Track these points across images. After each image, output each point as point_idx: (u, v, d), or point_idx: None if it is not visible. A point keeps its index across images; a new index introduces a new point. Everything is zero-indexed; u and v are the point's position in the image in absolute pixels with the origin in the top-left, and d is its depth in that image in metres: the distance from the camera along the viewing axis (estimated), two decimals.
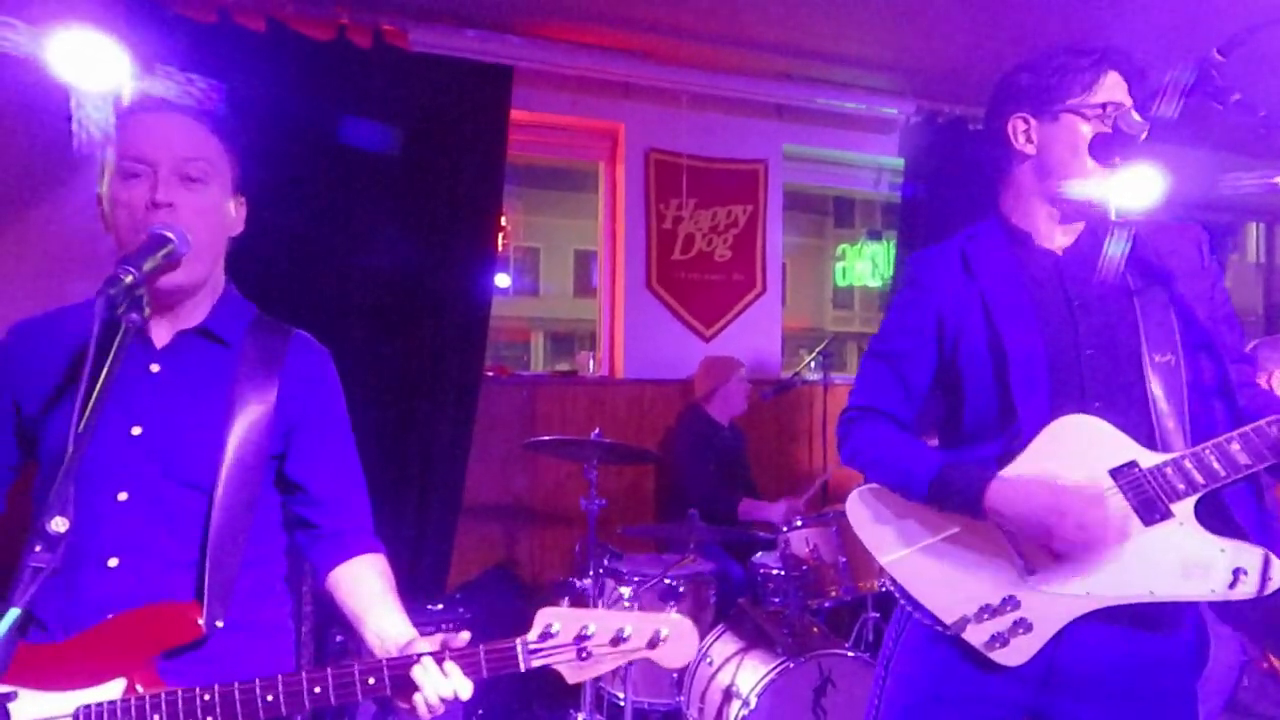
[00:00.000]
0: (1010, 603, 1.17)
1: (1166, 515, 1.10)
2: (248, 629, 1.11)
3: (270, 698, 0.95)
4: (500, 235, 3.39)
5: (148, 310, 0.93)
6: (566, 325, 14.31)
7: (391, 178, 2.96)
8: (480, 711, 2.72)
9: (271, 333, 1.17)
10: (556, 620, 0.98)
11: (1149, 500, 1.11)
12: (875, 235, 5.64)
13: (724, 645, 2.41)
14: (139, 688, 0.98)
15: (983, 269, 1.27)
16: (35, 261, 2.66)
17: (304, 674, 0.97)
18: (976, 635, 1.18)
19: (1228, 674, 2.22)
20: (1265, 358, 2.18)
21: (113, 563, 1.04)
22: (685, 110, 3.62)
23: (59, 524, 0.75)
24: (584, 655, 0.98)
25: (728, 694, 2.23)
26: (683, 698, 2.47)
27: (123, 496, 1.05)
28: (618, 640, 0.98)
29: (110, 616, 1.01)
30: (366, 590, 1.13)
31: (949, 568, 1.22)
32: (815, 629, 2.39)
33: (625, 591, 2.44)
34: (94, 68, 2.21)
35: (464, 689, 0.98)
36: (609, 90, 3.50)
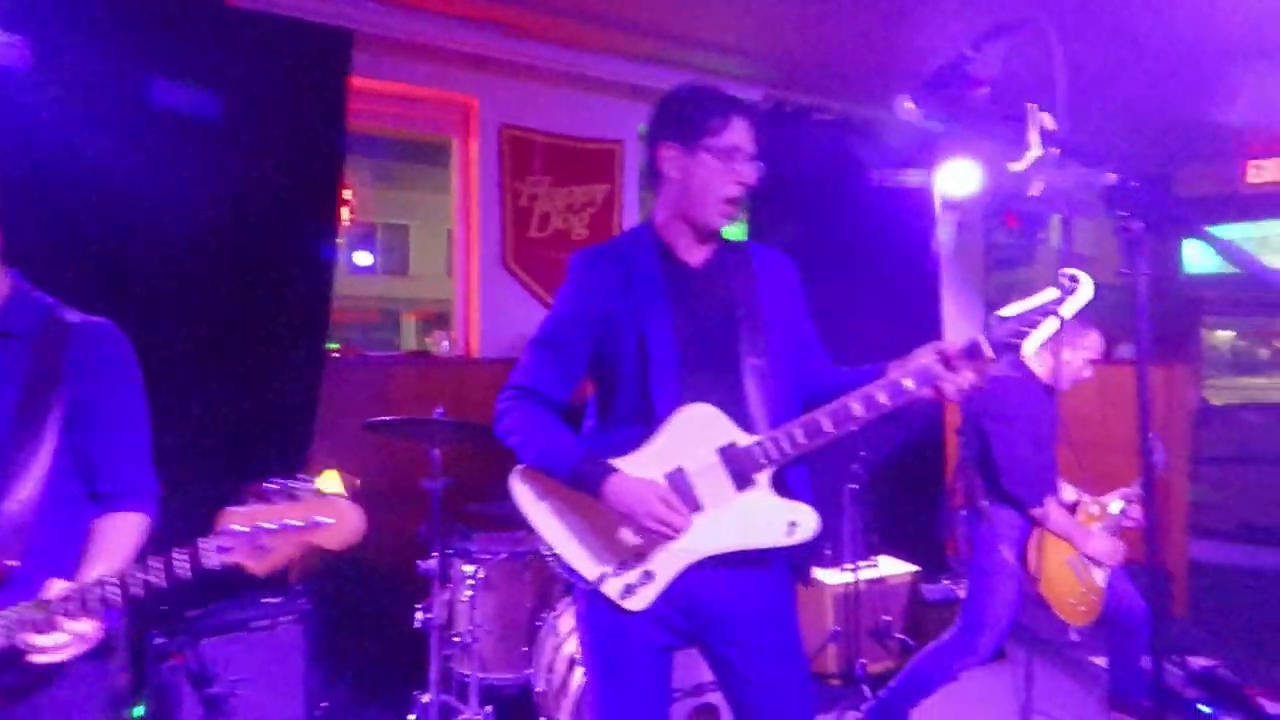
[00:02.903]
0: (639, 558, 1.41)
1: (751, 484, 1.39)
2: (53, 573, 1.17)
3: None
4: (345, 209, 3.24)
5: None
6: (440, 305, 13.88)
7: (218, 146, 2.74)
8: (325, 703, 2.64)
9: (59, 320, 1.25)
10: (235, 519, 1.10)
11: (741, 472, 1.39)
12: None
13: (570, 618, 2.46)
14: None
15: (637, 276, 1.48)
16: None
17: None
18: (613, 588, 1.41)
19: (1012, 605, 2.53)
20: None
21: None
22: (541, 86, 3.59)
23: None
24: (261, 546, 1.09)
25: (572, 663, 2.29)
26: (531, 670, 2.51)
27: None
28: (288, 530, 1.10)
29: None
30: (90, 544, 1.21)
31: (592, 533, 1.44)
32: None
33: (469, 569, 2.43)
34: None
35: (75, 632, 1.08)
36: (461, 62, 3.40)
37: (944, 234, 4.88)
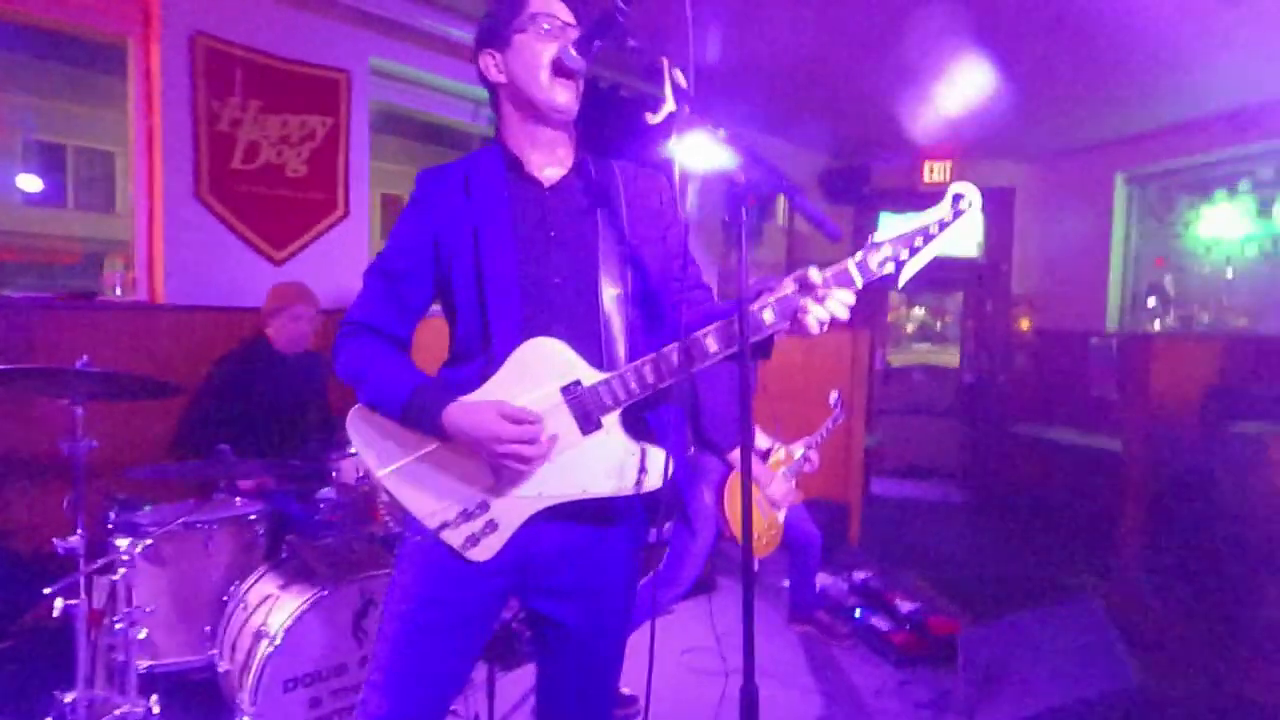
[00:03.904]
0: (482, 507, 1.28)
1: (598, 426, 1.26)
2: None
3: None
4: None
5: None
6: None
7: None
8: None
9: None
10: None
11: (586, 413, 1.26)
12: None
13: (262, 587, 2.24)
14: None
15: (479, 193, 1.33)
16: None
17: None
18: (454, 538, 1.29)
19: (703, 553, 2.80)
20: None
21: None
22: None
23: None
24: None
25: (258, 635, 2.09)
26: (214, 651, 2.25)
27: None
28: None
29: None
30: None
31: (433, 478, 1.30)
32: (359, 555, 2.35)
33: (124, 543, 2.10)
34: None
35: None
36: None
37: (687, 204, 5.19)
